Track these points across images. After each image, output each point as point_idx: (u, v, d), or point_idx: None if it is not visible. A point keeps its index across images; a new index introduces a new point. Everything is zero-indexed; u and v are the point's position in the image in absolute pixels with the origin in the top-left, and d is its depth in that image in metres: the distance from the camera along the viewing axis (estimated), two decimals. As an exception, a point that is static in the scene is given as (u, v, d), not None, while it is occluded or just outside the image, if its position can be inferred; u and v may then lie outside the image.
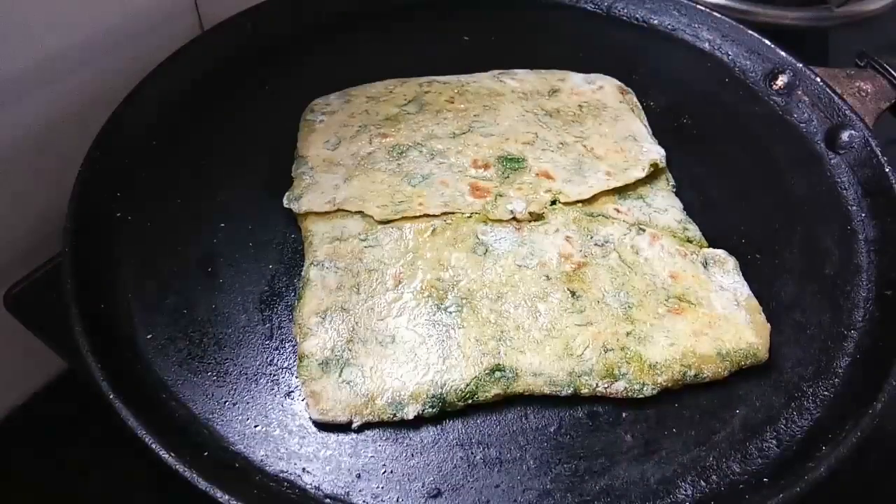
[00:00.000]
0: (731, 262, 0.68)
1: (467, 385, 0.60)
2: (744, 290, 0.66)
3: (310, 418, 0.59)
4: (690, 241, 0.69)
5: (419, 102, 0.78)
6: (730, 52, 0.90)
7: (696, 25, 0.92)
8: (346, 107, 0.79)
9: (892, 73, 0.87)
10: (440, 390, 0.59)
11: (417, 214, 0.68)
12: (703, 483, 0.57)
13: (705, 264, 0.67)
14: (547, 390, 0.60)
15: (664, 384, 0.61)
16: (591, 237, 0.68)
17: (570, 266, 0.66)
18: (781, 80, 0.86)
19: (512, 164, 0.73)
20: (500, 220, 0.69)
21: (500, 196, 0.70)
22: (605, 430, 0.60)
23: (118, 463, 0.75)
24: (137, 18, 0.80)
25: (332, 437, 0.59)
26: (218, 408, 0.60)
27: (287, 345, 0.64)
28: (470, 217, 0.69)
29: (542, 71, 0.84)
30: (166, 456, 0.54)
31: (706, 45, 0.91)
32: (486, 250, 0.67)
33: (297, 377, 0.61)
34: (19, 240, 0.77)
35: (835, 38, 1.14)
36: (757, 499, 0.55)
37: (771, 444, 0.60)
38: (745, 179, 0.78)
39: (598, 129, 0.78)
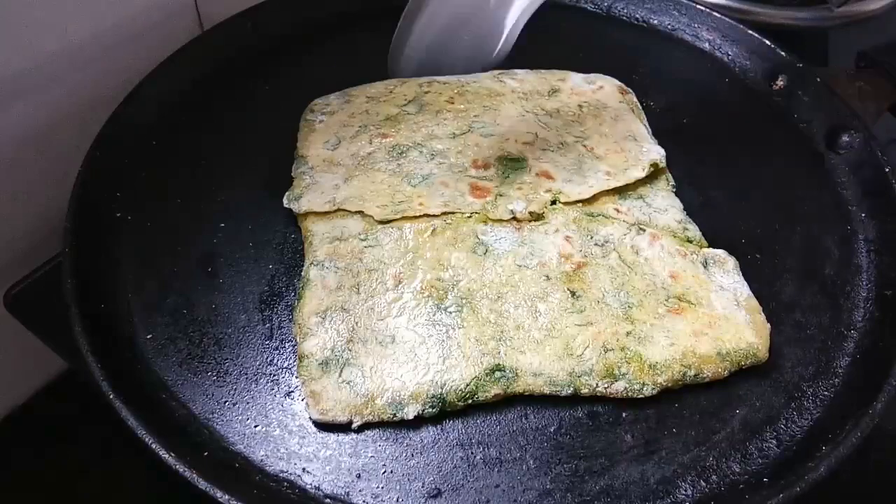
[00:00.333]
0: (731, 262, 0.68)
1: (467, 385, 0.60)
2: (744, 290, 0.66)
3: (310, 418, 0.59)
4: (690, 241, 0.69)
5: (419, 102, 0.78)
6: (730, 52, 0.90)
7: (696, 25, 0.92)
8: (346, 107, 0.79)
9: (893, 73, 0.87)
10: (440, 390, 0.59)
11: (417, 214, 0.68)
12: (703, 483, 0.57)
13: (705, 264, 0.67)
14: (547, 390, 0.60)
15: (664, 384, 0.61)
16: (591, 237, 0.68)
17: (570, 266, 0.66)
18: (781, 80, 0.86)
19: (512, 164, 0.73)
20: (500, 220, 0.69)
21: (500, 196, 0.70)
22: (605, 430, 0.60)
23: (118, 463, 0.75)
24: (137, 18, 0.80)
25: (332, 437, 0.59)
26: (218, 408, 0.60)
27: (287, 345, 0.64)
28: (470, 217, 0.69)
29: (542, 71, 0.84)
30: (166, 456, 0.54)
31: (706, 45, 0.91)
32: (486, 250, 0.67)
33: (297, 377, 0.61)
34: (19, 240, 0.77)
35: (835, 38, 1.14)
36: (757, 499, 0.55)
37: (771, 444, 0.60)
38: (745, 179, 0.78)
39: (598, 129, 0.78)
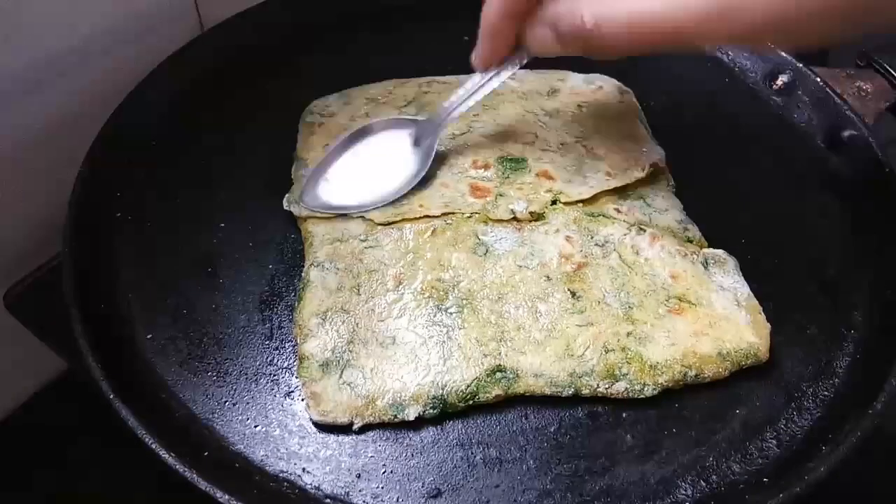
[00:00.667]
0: (731, 262, 0.68)
1: (468, 386, 0.60)
2: (744, 290, 0.66)
3: (310, 419, 0.59)
4: (690, 242, 0.69)
5: (419, 103, 0.78)
6: (730, 52, 0.90)
7: (696, 25, 0.92)
8: (346, 108, 0.79)
9: (892, 73, 0.87)
10: (441, 391, 0.59)
11: (417, 215, 0.68)
12: (703, 483, 0.57)
13: (705, 264, 0.67)
14: (548, 391, 0.60)
15: (665, 384, 0.61)
16: (592, 237, 0.68)
17: (570, 266, 0.66)
18: (781, 80, 0.86)
19: (512, 164, 0.73)
20: (500, 221, 0.69)
21: (501, 196, 0.70)
22: (605, 431, 0.60)
23: (118, 463, 0.75)
24: (137, 18, 0.80)
25: (332, 438, 0.59)
26: (218, 408, 0.60)
27: (287, 345, 0.64)
28: (470, 217, 0.69)
29: (542, 71, 0.84)
30: (166, 456, 0.54)
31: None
32: (487, 251, 0.67)
33: (297, 377, 0.61)
34: (19, 240, 0.77)
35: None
36: (757, 499, 0.55)
37: (771, 444, 0.60)
38: (745, 179, 0.78)
39: (598, 129, 0.78)
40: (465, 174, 0.72)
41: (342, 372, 0.60)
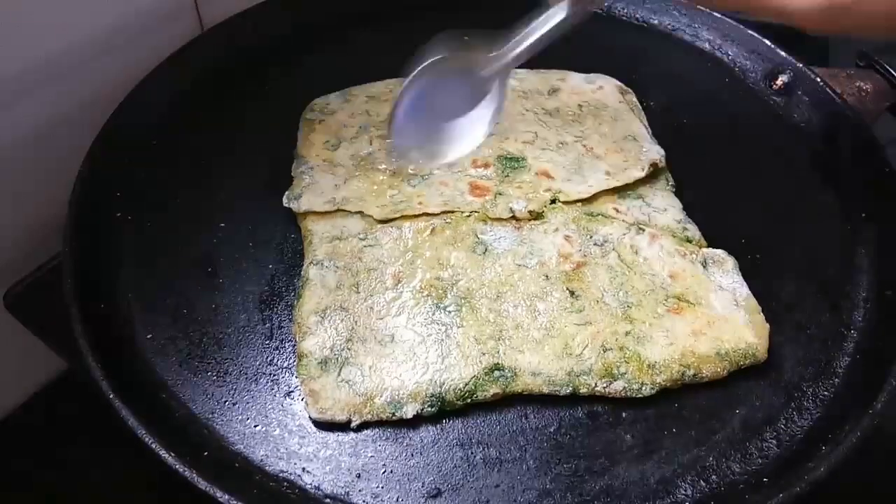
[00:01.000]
0: (730, 262, 0.68)
1: (466, 384, 0.60)
2: (743, 289, 0.66)
3: (309, 417, 0.59)
4: (690, 241, 0.69)
5: (419, 102, 0.78)
6: (730, 52, 0.90)
7: (696, 25, 0.92)
8: (346, 106, 0.79)
9: (892, 73, 0.87)
10: (439, 389, 0.59)
11: (417, 213, 0.68)
12: (703, 483, 0.57)
13: (704, 264, 0.67)
14: (546, 390, 0.60)
15: (663, 384, 0.60)
16: (591, 237, 0.68)
17: (569, 265, 0.66)
18: (781, 80, 0.86)
19: (511, 163, 0.73)
20: (499, 219, 0.69)
21: (500, 195, 0.70)
22: (604, 430, 0.60)
23: (118, 463, 0.75)
24: (137, 18, 0.80)
25: (332, 437, 0.59)
26: (218, 408, 0.60)
27: (287, 344, 0.64)
28: (469, 216, 0.69)
29: (542, 70, 0.84)
30: (166, 456, 0.54)
31: (706, 45, 0.91)
32: (486, 249, 0.67)
33: (296, 377, 0.61)
34: (19, 240, 0.77)
35: (835, 38, 1.14)
36: (757, 499, 0.55)
37: (771, 444, 0.60)
38: (745, 179, 0.78)
39: (598, 128, 0.78)
40: (465, 172, 0.72)
41: (341, 370, 0.60)
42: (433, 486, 0.57)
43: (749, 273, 0.67)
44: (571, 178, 0.72)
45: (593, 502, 0.56)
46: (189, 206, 0.72)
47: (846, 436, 0.57)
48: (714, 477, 0.58)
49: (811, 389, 0.63)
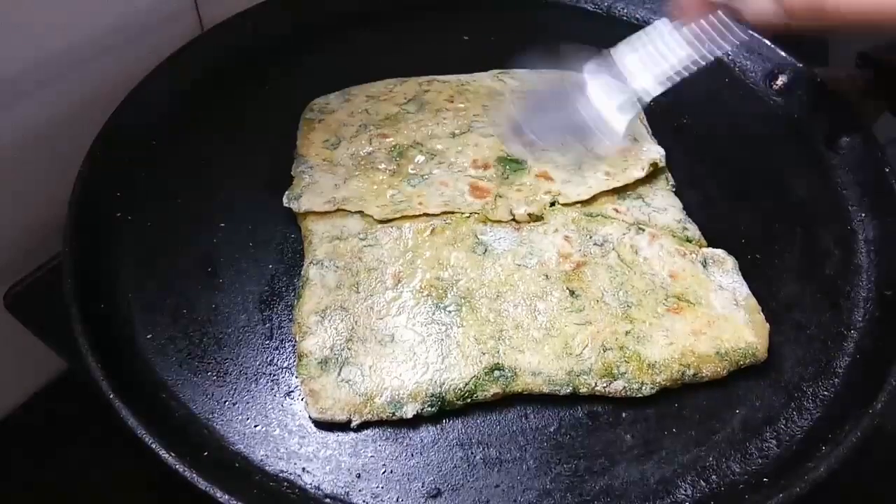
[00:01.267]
0: (730, 262, 0.68)
1: (466, 384, 0.60)
2: (743, 289, 0.66)
3: (309, 417, 0.59)
4: (690, 241, 0.69)
5: (419, 101, 0.78)
6: (730, 52, 0.90)
7: (696, 25, 0.92)
8: (346, 106, 0.79)
9: (893, 73, 0.87)
10: (439, 389, 0.59)
11: (417, 214, 0.68)
12: (703, 483, 0.57)
13: (704, 264, 0.67)
14: (546, 389, 0.60)
15: (663, 383, 0.61)
16: (591, 237, 0.68)
17: (569, 265, 0.66)
18: (781, 80, 0.86)
19: (512, 165, 0.73)
20: (499, 221, 0.69)
21: (500, 197, 0.70)
22: (604, 430, 0.60)
23: (118, 463, 0.75)
24: (137, 18, 0.80)
25: (332, 437, 0.59)
26: (218, 408, 0.60)
27: (287, 344, 0.64)
28: (469, 217, 0.69)
29: (542, 70, 0.84)
30: (166, 456, 0.54)
31: (706, 44, 0.91)
32: (486, 250, 0.67)
33: (296, 377, 0.61)
34: (19, 240, 0.77)
35: (835, 38, 1.14)
36: (757, 499, 0.55)
37: (771, 444, 0.60)
38: (745, 179, 0.78)
39: (598, 128, 0.77)
40: (465, 173, 0.72)
41: (341, 369, 0.60)
42: (433, 486, 0.57)
43: (749, 273, 0.68)
44: (571, 180, 0.72)
45: (593, 502, 0.56)
46: (189, 206, 0.72)
47: (846, 436, 0.57)
48: (714, 477, 0.58)
49: (811, 389, 0.63)
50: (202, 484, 0.53)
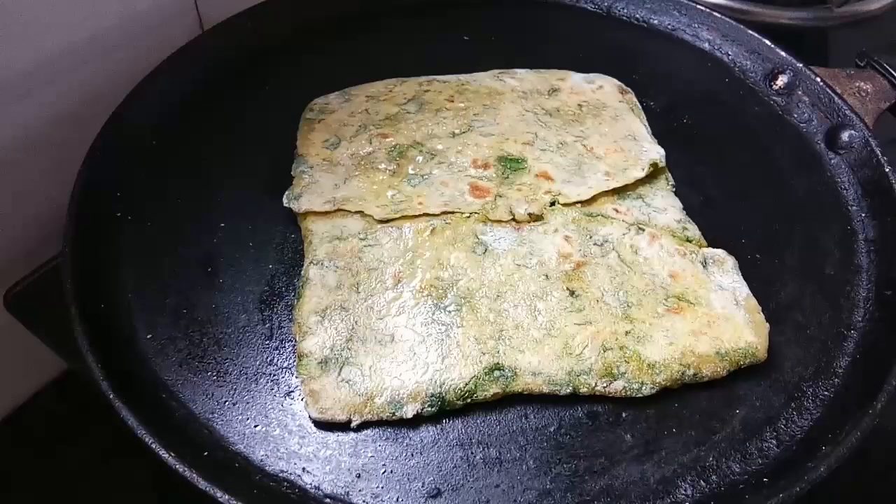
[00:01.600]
0: (730, 262, 0.68)
1: (466, 384, 0.60)
2: (743, 289, 0.66)
3: (309, 417, 0.59)
4: (690, 241, 0.69)
5: (419, 101, 0.78)
6: (730, 52, 0.90)
7: (696, 25, 0.92)
8: (346, 106, 0.79)
9: (892, 73, 0.87)
10: (439, 389, 0.59)
11: (417, 214, 0.68)
12: (703, 483, 0.57)
13: (704, 264, 0.67)
14: (546, 389, 0.60)
15: (663, 383, 0.61)
16: (591, 237, 0.68)
17: (569, 265, 0.66)
18: (781, 80, 0.86)
19: (512, 164, 0.73)
20: (499, 221, 0.69)
21: (500, 197, 0.70)
22: (605, 430, 0.60)
23: (118, 463, 0.75)
24: (137, 18, 0.80)
25: (332, 437, 0.59)
26: (218, 408, 0.60)
27: (287, 344, 0.64)
28: (469, 217, 0.69)
29: (542, 70, 0.84)
30: (166, 456, 0.54)
31: (706, 45, 0.91)
32: (486, 250, 0.67)
33: (296, 377, 0.61)
34: (19, 240, 0.77)
35: (835, 38, 1.14)
36: (757, 499, 0.55)
37: (771, 444, 0.60)
38: (745, 179, 0.78)
39: (598, 128, 0.78)
40: (465, 173, 0.72)
41: (341, 369, 0.60)
42: (433, 486, 0.57)
43: (749, 273, 0.68)
44: (571, 180, 0.72)
45: (593, 502, 0.56)
46: (189, 206, 0.72)
47: (846, 436, 0.57)
48: (714, 477, 0.58)
49: (811, 389, 0.63)
50: (202, 484, 0.53)
